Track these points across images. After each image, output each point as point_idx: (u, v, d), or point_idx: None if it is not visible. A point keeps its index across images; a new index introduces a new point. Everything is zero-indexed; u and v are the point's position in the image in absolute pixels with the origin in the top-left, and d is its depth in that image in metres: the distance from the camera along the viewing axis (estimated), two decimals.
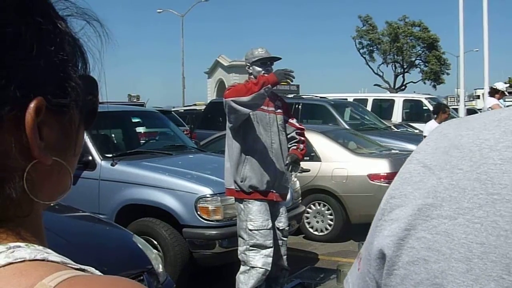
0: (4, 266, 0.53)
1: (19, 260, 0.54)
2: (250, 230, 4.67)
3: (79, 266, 0.58)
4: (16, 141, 0.57)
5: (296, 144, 5.01)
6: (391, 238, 0.67)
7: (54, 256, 0.57)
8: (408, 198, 0.67)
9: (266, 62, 4.87)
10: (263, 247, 4.68)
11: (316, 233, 8.31)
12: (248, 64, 4.92)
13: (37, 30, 0.59)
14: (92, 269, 0.59)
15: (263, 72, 4.79)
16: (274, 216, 4.87)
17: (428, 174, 0.66)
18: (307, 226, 8.31)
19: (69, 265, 0.57)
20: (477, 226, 0.59)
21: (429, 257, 0.63)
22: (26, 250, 0.56)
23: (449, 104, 18.86)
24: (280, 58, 5.02)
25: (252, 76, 4.88)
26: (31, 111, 0.57)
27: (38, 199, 0.60)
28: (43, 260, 0.56)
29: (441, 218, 0.62)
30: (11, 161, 0.57)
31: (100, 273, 0.60)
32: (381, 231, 0.69)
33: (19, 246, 0.56)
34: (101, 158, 6.28)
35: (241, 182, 4.70)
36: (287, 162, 4.83)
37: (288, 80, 4.60)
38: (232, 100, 4.44)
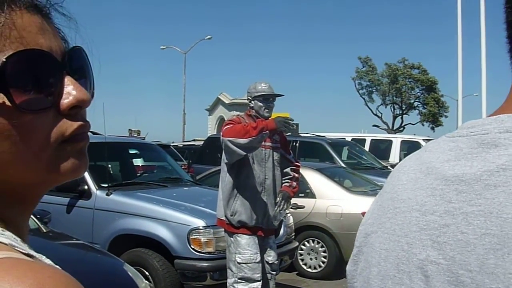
0: None
1: None
2: (239, 263, 4.69)
3: (28, 251, 0.61)
4: None
5: (289, 181, 5.03)
6: (352, 257, 0.80)
7: (4, 238, 0.62)
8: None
9: (269, 98, 4.91)
10: (251, 280, 4.69)
11: (309, 270, 8.29)
12: (250, 98, 4.96)
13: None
14: (43, 257, 0.63)
15: (264, 107, 4.87)
16: (263, 249, 4.88)
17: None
18: (301, 263, 8.30)
19: (16, 248, 0.61)
20: (386, 235, 0.70)
21: (364, 267, 0.75)
22: None
23: None
24: (282, 95, 5.07)
25: (253, 111, 4.93)
26: None
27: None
28: None
29: (372, 234, 0.74)
30: None
31: (49, 262, 0.63)
32: None
33: None
34: (97, 187, 6.34)
35: (231, 216, 4.74)
36: (278, 199, 4.84)
37: (286, 129, 4.65)
38: (229, 140, 4.46)
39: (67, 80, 0.66)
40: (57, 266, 0.61)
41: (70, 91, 0.66)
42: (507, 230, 0.56)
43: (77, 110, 0.66)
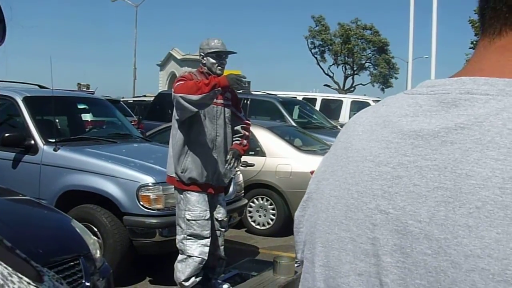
0: None
1: None
2: (188, 220, 4.72)
3: None
4: None
5: (239, 139, 5.03)
6: (301, 204, 0.80)
7: None
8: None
9: (221, 55, 4.87)
10: (200, 237, 4.73)
11: (258, 227, 8.41)
12: (203, 54, 4.90)
13: None
14: None
15: (216, 65, 4.82)
16: (213, 206, 4.92)
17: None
18: (250, 220, 8.40)
19: None
20: (337, 183, 0.71)
21: (312, 212, 0.76)
22: None
23: None
24: (235, 52, 5.03)
25: (205, 68, 4.88)
26: None
27: None
28: None
29: (323, 181, 0.75)
30: None
31: None
32: None
33: None
34: (44, 142, 6.20)
35: (182, 173, 4.73)
36: (228, 157, 4.85)
37: (238, 86, 4.63)
38: (180, 96, 4.43)
39: None
40: None
41: None
42: (460, 185, 0.58)
43: None
